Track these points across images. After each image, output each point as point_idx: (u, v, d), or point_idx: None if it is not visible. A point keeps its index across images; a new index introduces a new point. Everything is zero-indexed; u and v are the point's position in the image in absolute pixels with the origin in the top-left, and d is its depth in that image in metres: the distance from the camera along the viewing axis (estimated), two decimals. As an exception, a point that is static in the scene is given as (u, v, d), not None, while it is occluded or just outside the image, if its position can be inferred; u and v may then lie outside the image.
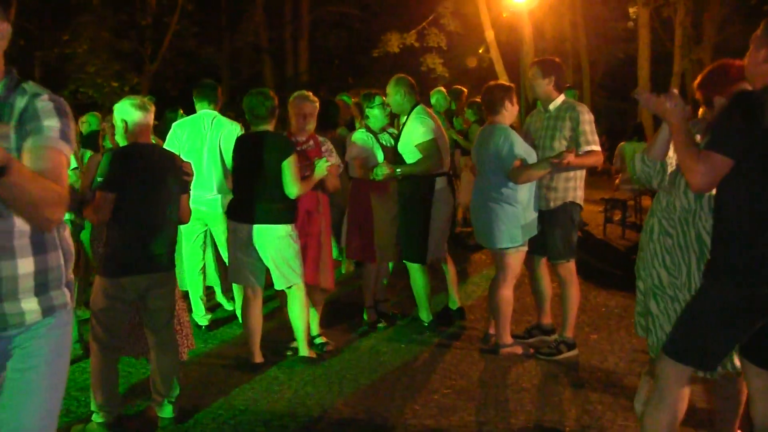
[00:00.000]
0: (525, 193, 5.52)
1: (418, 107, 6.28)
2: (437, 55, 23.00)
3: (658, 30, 21.99)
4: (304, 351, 5.61)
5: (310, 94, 5.82)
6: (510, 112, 5.65)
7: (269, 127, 5.49)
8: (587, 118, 5.43)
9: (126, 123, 4.48)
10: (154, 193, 4.43)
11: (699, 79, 3.91)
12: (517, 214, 5.50)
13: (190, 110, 6.83)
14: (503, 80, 19.04)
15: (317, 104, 5.79)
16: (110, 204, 4.31)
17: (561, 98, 5.60)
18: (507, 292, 5.67)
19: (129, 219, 4.35)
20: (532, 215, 5.57)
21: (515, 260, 5.65)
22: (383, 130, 6.53)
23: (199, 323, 6.54)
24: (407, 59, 23.67)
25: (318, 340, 5.90)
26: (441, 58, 23.22)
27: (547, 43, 24.65)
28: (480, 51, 20.51)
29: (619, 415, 4.56)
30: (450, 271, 6.58)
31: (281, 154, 5.30)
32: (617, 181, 12.82)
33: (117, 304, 4.43)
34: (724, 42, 23.91)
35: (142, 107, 4.49)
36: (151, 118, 4.57)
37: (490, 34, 20.23)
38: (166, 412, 4.64)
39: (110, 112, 4.84)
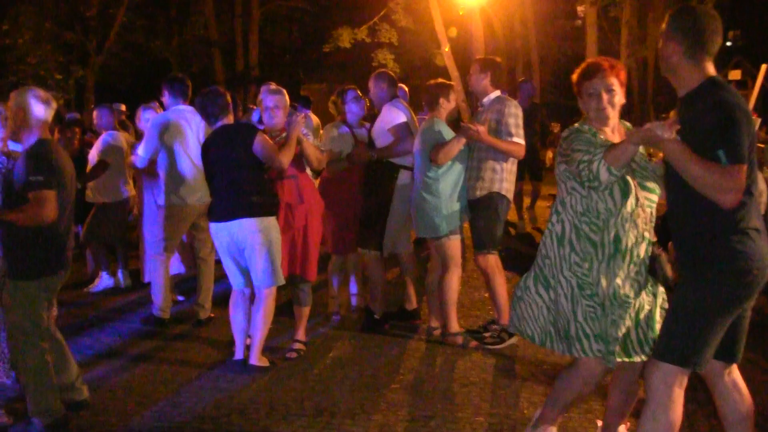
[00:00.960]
0: (448, 184, 5.68)
1: (395, 100, 6.39)
2: (388, 50, 23.00)
3: (605, 29, 22.33)
4: (255, 359, 5.42)
5: (276, 85, 5.72)
6: (445, 107, 5.86)
7: (226, 120, 5.45)
8: (513, 111, 5.63)
9: (24, 114, 4.21)
10: (71, 189, 4.35)
11: (580, 72, 3.70)
12: (437, 205, 5.67)
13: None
14: (454, 76, 19.26)
15: (285, 96, 5.66)
16: (55, 200, 4.16)
17: (495, 93, 5.80)
18: (449, 280, 5.77)
19: (58, 216, 4.23)
20: (455, 206, 5.70)
21: (448, 249, 5.76)
22: (361, 125, 6.62)
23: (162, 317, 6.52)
24: (358, 54, 23.66)
25: (297, 345, 5.76)
26: (392, 53, 23.23)
27: (497, 41, 24.86)
28: (446, 50, 20.53)
29: (564, 408, 4.60)
30: (411, 271, 6.54)
31: (245, 140, 5.22)
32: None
33: (42, 304, 4.32)
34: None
35: (46, 101, 4.28)
36: (52, 114, 4.36)
37: (452, 31, 20.34)
38: (84, 392, 4.62)
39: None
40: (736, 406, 3.44)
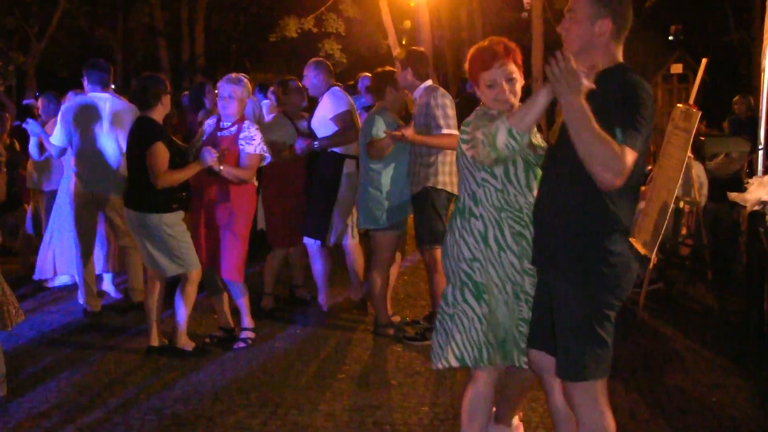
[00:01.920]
0: (390, 178, 5.70)
1: (334, 88, 6.33)
2: (335, 40, 22.91)
3: (551, 21, 22.51)
4: (177, 342, 5.42)
5: (237, 75, 5.53)
6: (393, 96, 5.84)
7: (152, 112, 5.34)
8: (440, 101, 5.50)
9: None
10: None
11: (475, 61, 3.41)
12: (378, 198, 5.69)
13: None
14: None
15: (242, 87, 5.43)
16: None
17: (424, 85, 5.70)
18: (376, 274, 5.82)
19: None
20: (397, 200, 5.71)
21: (383, 242, 5.80)
22: (301, 116, 6.56)
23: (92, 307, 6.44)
24: (305, 44, 23.48)
25: (246, 333, 5.69)
26: (339, 44, 23.14)
27: (444, 31, 24.93)
28: (403, 41, 20.58)
29: (508, 397, 4.64)
30: (357, 261, 6.50)
31: (145, 142, 5.20)
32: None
33: None
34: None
35: None
36: None
37: (406, 23, 20.37)
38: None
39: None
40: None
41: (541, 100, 2.90)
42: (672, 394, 4.73)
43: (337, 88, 6.38)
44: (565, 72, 2.70)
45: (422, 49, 6.04)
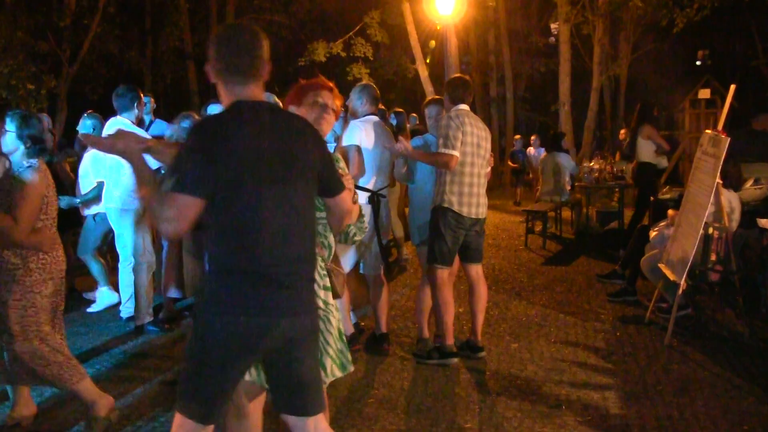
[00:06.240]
0: (420, 196, 6.05)
1: (365, 118, 6.20)
2: (363, 65, 23.08)
3: (578, 46, 22.56)
4: None
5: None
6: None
7: None
8: (444, 122, 5.73)
9: None
10: None
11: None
12: (413, 215, 6.17)
13: (107, 115, 6.86)
14: (429, 90, 19.41)
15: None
16: None
17: (455, 107, 5.85)
18: (420, 288, 6.11)
19: None
20: (424, 218, 5.97)
21: (420, 258, 6.17)
22: (335, 138, 6.64)
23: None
24: (334, 68, 23.69)
25: None
26: (367, 68, 23.32)
27: (472, 56, 25.03)
28: (427, 60, 20.78)
29: (537, 422, 4.65)
30: (382, 296, 6.23)
31: None
32: (537, 192, 13.13)
33: None
34: (637, 60, 24.77)
35: None
36: None
37: (431, 43, 20.51)
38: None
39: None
40: None
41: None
42: (702, 421, 4.70)
43: (366, 118, 6.16)
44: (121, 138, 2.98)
45: (463, 75, 6.23)
